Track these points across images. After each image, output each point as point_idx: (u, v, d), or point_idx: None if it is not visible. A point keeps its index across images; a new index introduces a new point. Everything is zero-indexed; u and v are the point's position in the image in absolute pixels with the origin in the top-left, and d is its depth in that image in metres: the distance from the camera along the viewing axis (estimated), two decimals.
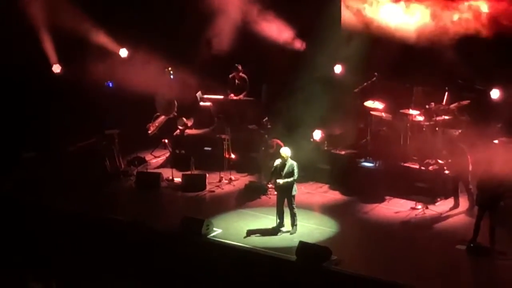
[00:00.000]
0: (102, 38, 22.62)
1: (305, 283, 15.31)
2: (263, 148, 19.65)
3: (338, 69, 22.04)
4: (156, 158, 21.72)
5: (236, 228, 17.12)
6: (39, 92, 21.55)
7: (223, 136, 20.11)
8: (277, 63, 21.81)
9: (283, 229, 16.91)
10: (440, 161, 18.22)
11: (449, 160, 17.91)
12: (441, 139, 18.79)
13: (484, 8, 19.93)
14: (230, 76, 21.65)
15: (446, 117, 19.28)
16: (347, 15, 22.25)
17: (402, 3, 21.04)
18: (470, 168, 17.32)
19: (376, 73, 20.46)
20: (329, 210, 18.15)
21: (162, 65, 21.80)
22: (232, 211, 18.19)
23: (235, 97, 21.55)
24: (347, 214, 17.93)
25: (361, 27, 21.78)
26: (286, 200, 16.77)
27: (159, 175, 19.99)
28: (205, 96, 21.85)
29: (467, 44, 20.01)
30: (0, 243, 17.73)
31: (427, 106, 19.33)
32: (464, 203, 17.81)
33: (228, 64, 21.73)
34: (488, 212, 15.84)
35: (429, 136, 19.01)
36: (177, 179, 19.89)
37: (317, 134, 20.10)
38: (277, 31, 22.03)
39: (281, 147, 17.38)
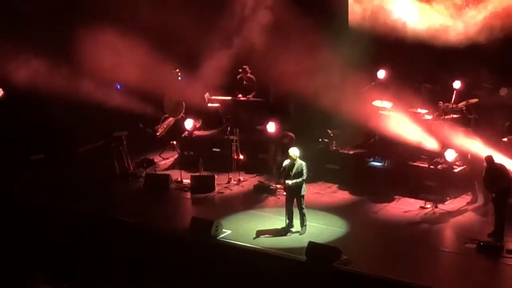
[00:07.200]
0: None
1: (314, 284, 15.31)
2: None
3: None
4: (164, 160, 21.74)
5: (245, 229, 17.12)
6: (47, 94, 21.59)
7: (231, 137, 20.09)
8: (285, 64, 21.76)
9: (292, 229, 16.90)
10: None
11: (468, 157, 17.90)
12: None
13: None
14: (238, 77, 21.67)
15: (455, 116, 19.28)
16: (355, 12, 22.22)
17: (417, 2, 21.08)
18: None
19: (384, 72, 20.46)
20: (338, 210, 18.13)
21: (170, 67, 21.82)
22: (241, 212, 18.20)
23: (243, 98, 21.58)
24: (357, 214, 17.91)
25: (369, 24, 21.74)
26: (295, 200, 16.78)
27: (167, 176, 20.00)
28: (213, 97, 21.87)
29: (476, 43, 19.99)
30: (11, 246, 17.78)
31: (440, 103, 19.30)
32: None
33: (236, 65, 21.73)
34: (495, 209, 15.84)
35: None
36: (186, 181, 19.90)
37: (326, 134, 20.08)
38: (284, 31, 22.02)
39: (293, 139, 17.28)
